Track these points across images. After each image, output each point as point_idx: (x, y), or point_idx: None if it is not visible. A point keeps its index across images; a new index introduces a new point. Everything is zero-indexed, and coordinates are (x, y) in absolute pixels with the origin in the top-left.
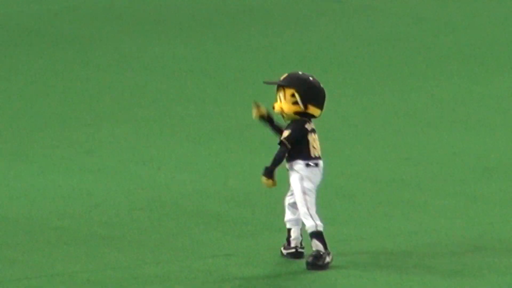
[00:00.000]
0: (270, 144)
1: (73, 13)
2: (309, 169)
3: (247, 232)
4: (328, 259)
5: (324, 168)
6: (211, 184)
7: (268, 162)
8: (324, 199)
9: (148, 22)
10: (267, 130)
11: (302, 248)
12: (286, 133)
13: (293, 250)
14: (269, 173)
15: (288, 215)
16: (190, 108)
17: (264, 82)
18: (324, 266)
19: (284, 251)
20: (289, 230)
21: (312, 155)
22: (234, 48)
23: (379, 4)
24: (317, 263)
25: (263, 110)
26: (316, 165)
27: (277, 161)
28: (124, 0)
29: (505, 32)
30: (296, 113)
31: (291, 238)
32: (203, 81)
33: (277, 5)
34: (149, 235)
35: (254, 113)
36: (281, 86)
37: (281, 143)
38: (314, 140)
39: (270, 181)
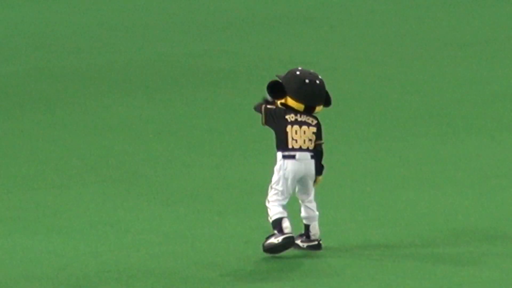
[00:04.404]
0: (238, 206)
1: (39, 74)
2: (285, 160)
3: None
4: (273, 239)
5: None
6: (179, 246)
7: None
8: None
9: (115, 83)
10: (235, 193)
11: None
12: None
13: (315, 243)
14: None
15: (303, 213)
16: (157, 169)
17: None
18: (265, 246)
19: (304, 244)
20: (307, 226)
21: (290, 146)
22: (201, 109)
23: (346, 65)
24: (264, 243)
25: None
26: (293, 157)
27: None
28: (90, 61)
29: (472, 92)
30: (281, 104)
31: (311, 233)
32: (170, 142)
33: (244, 65)
34: None
35: None
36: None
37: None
38: (295, 132)
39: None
